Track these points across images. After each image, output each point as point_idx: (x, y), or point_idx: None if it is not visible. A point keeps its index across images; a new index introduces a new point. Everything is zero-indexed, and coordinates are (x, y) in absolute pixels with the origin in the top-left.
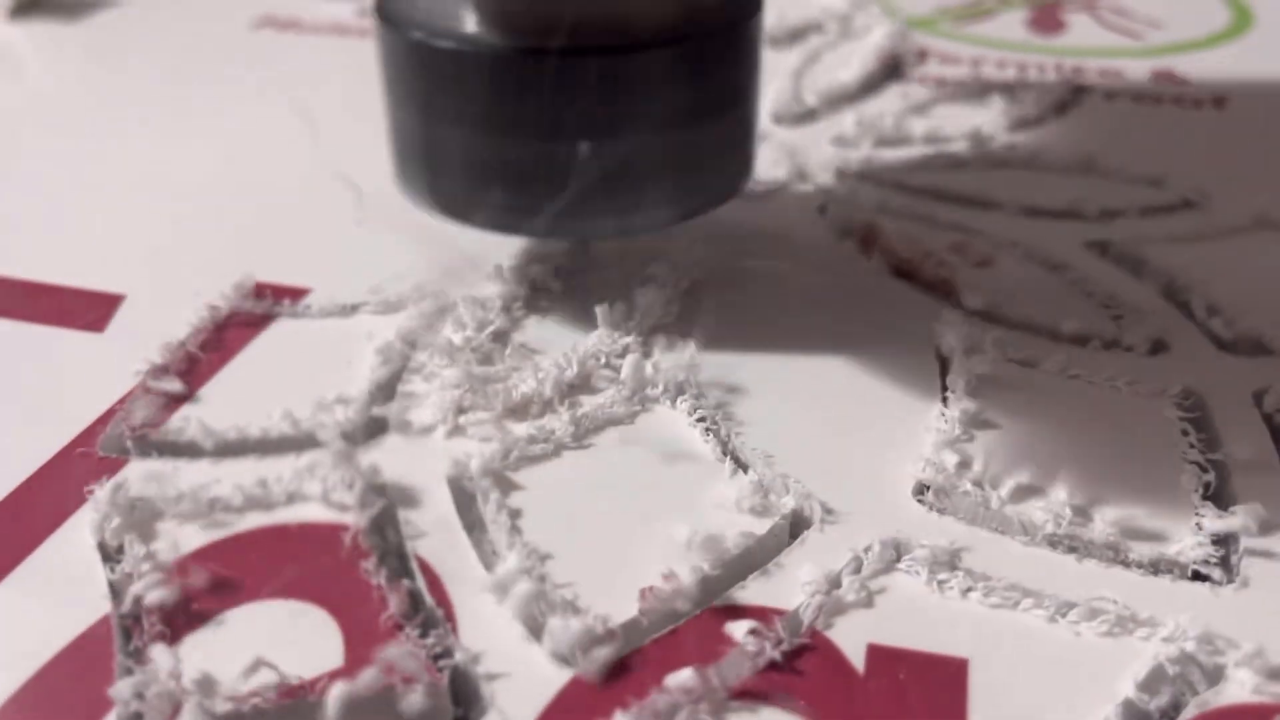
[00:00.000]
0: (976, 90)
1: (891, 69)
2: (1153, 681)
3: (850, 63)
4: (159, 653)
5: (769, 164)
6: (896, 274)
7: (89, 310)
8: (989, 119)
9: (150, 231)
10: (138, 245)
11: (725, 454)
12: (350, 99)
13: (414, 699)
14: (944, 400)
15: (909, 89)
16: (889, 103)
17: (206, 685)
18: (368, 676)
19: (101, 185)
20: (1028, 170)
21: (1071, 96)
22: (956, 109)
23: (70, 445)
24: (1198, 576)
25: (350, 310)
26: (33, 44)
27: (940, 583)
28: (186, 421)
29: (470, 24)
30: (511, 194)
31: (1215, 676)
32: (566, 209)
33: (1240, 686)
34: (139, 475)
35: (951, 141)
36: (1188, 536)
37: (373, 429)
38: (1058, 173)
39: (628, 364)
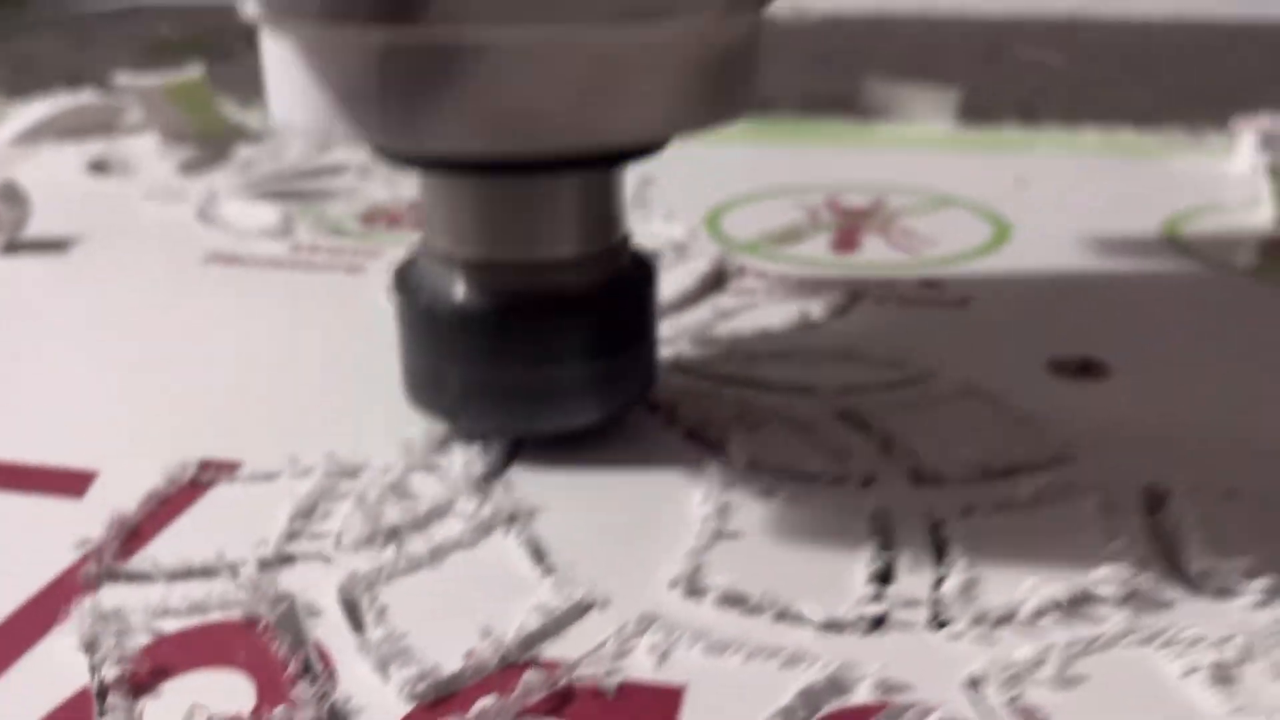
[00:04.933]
0: (777, 297)
1: (714, 284)
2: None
3: (680, 281)
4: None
5: None
6: (688, 436)
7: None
8: (781, 318)
9: (116, 416)
10: (106, 429)
11: (535, 559)
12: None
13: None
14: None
15: (721, 300)
16: (704, 312)
17: None
18: (277, 714)
19: (73, 378)
20: (803, 359)
21: (850, 301)
22: (758, 313)
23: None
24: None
25: (272, 477)
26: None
27: (661, 655)
28: (143, 560)
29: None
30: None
31: (844, 689)
32: (510, 412)
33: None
34: (109, 597)
35: (751, 341)
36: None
37: (283, 559)
38: (827, 359)
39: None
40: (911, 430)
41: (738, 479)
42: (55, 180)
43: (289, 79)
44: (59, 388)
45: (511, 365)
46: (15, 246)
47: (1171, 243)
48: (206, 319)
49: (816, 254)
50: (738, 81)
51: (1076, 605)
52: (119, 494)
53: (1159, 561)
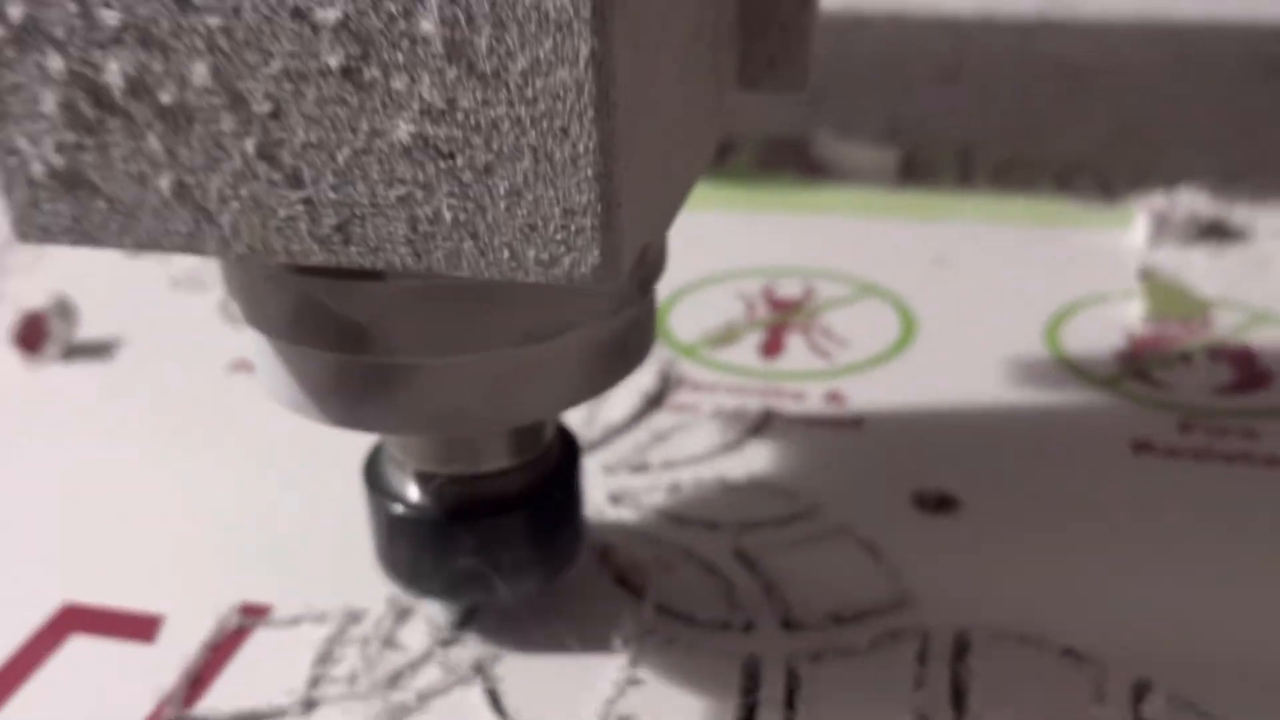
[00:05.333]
0: (704, 416)
1: (655, 400)
2: None
3: (625, 395)
4: None
5: None
6: (616, 581)
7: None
8: (706, 444)
9: (168, 554)
10: (161, 570)
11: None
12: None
13: None
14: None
15: (658, 419)
16: (642, 434)
17: None
18: None
19: (113, 507)
20: (717, 490)
21: (764, 422)
22: (687, 435)
23: None
24: None
25: (297, 622)
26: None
27: None
28: (205, 708)
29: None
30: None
31: None
32: (456, 591)
33: None
34: None
35: (677, 467)
36: None
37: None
38: (737, 490)
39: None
40: (789, 571)
41: (650, 625)
42: (93, 262)
43: (264, 360)
44: (118, 518)
45: (456, 556)
46: (71, 353)
47: (1048, 348)
48: (234, 441)
49: (746, 360)
50: (634, 344)
51: None
52: (183, 639)
53: (950, 712)
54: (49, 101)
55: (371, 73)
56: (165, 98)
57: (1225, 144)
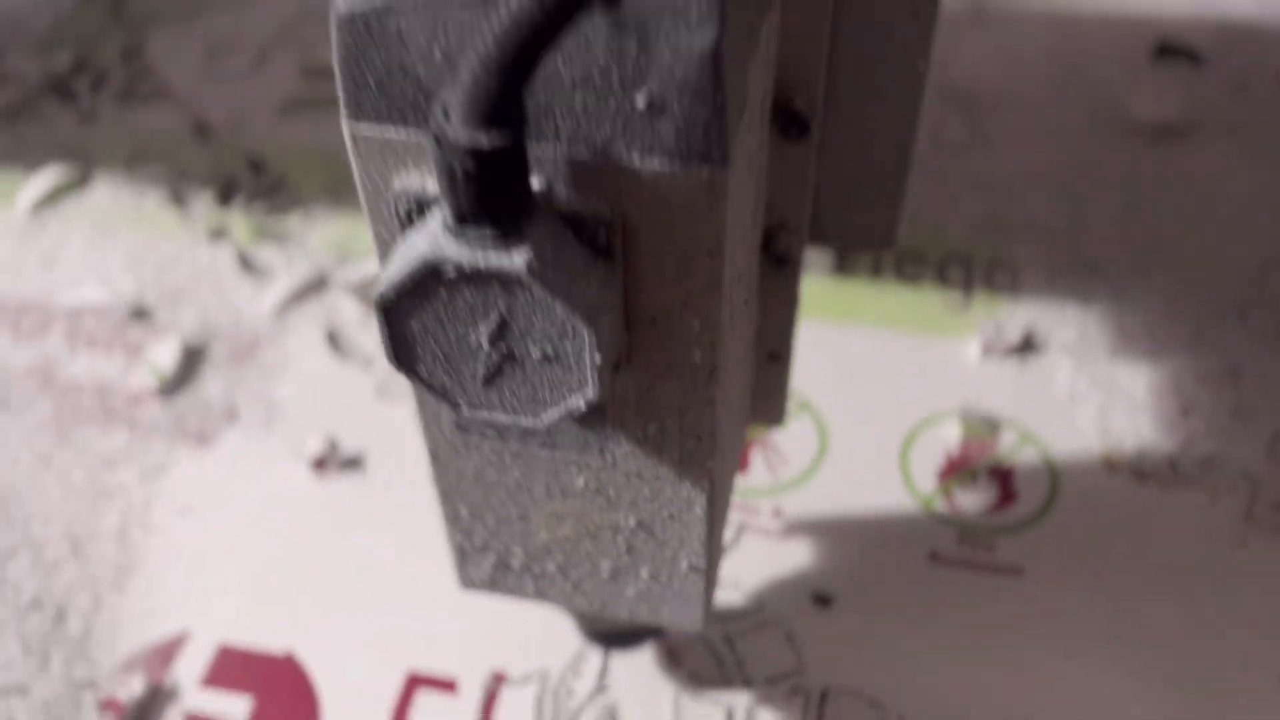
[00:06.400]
0: None
1: None
2: None
3: None
4: None
5: None
6: (668, 656)
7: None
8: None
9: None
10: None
11: None
12: None
13: None
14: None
15: None
16: None
17: None
18: None
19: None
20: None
21: (739, 535)
22: None
23: None
24: None
25: (524, 681)
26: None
27: None
28: None
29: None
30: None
31: None
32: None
33: None
34: None
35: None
36: None
37: None
38: (722, 589)
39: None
40: (750, 647)
41: (683, 685)
42: (310, 365)
43: None
44: (413, 598)
45: (612, 642)
46: (341, 466)
47: (899, 463)
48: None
49: None
50: None
51: None
52: (470, 694)
53: None
54: (486, 565)
55: (628, 574)
56: (537, 572)
57: (1065, 230)
